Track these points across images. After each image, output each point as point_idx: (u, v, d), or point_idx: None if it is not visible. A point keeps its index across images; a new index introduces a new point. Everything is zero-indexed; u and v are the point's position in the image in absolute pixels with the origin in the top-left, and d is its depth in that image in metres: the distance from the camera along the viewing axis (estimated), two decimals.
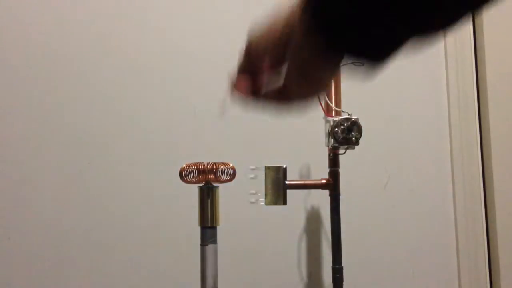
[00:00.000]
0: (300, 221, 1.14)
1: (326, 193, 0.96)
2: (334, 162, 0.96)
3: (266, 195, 0.93)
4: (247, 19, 1.28)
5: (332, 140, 0.90)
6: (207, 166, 0.85)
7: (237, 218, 1.09)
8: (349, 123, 0.89)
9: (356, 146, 0.91)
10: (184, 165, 0.87)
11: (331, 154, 0.96)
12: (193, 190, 0.89)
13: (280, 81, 0.40)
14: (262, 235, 1.13)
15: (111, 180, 1.11)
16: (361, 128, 0.90)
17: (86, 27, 1.16)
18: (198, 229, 0.88)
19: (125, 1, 1.17)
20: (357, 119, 0.90)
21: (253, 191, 0.96)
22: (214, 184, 0.88)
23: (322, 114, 0.95)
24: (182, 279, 1.09)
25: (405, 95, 1.20)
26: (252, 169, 0.97)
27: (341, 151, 0.96)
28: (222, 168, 0.86)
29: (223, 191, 0.89)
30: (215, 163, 0.86)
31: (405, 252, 1.15)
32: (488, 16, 1.20)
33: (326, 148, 0.96)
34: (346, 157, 0.96)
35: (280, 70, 0.40)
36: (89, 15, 1.16)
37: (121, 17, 1.17)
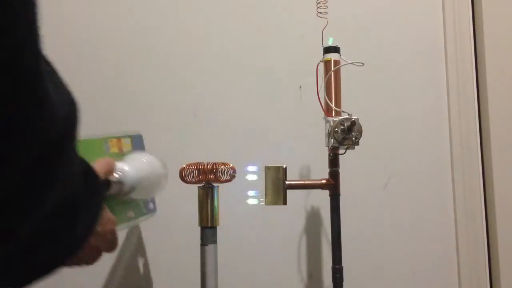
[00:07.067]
0: (300, 221, 1.14)
1: (326, 193, 0.96)
2: (334, 162, 0.96)
3: (266, 195, 0.94)
4: (250, 20, 1.28)
5: (332, 140, 0.90)
6: (207, 166, 0.85)
7: (237, 218, 1.09)
8: (349, 123, 0.89)
9: (356, 146, 0.91)
10: (184, 165, 0.87)
11: (331, 154, 0.96)
12: (193, 190, 0.89)
13: None
14: (262, 235, 1.13)
15: None
16: (361, 128, 0.90)
17: (90, 29, 1.16)
18: (198, 229, 0.88)
19: (119, 2, 1.17)
20: (357, 119, 0.90)
21: (253, 191, 0.96)
22: (214, 184, 0.88)
23: (322, 114, 0.95)
24: (182, 279, 1.09)
25: (405, 95, 1.20)
26: (252, 169, 0.97)
27: (341, 151, 0.96)
28: (222, 168, 0.86)
29: (223, 191, 0.89)
30: (215, 163, 0.86)
31: (405, 252, 1.15)
32: (489, 15, 1.20)
33: (326, 148, 0.96)
34: (346, 157, 0.96)
35: None
36: (93, 19, 1.16)
37: (120, 16, 1.17)
